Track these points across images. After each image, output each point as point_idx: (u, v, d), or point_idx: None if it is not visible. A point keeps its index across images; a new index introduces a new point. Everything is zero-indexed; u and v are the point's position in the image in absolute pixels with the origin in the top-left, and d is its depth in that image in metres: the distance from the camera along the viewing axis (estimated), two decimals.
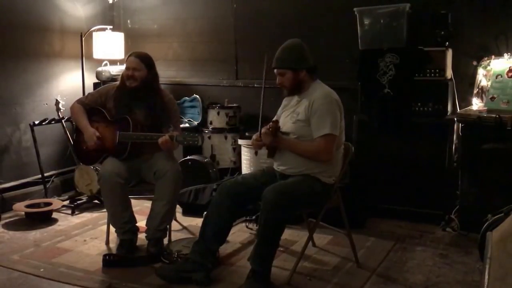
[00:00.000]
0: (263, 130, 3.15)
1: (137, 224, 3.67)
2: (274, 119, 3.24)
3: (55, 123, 4.80)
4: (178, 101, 5.44)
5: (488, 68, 4.10)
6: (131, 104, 3.59)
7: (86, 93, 4.63)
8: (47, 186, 4.79)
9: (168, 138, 3.35)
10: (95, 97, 3.72)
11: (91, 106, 3.69)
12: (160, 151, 3.56)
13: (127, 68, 3.59)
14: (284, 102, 3.37)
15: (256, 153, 3.39)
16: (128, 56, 3.65)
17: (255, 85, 5.17)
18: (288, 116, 3.24)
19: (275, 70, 3.21)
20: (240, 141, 4.81)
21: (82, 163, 4.16)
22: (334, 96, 3.16)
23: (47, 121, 4.77)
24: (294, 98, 3.27)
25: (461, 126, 3.99)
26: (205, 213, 3.26)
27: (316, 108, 3.07)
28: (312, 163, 3.09)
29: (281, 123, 3.20)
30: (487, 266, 1.96)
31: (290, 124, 3.18)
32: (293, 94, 3.25)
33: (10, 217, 4.36)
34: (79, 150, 3.77)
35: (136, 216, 3.69)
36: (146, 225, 3.57)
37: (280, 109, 3.38)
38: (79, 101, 3.74)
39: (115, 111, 3.63)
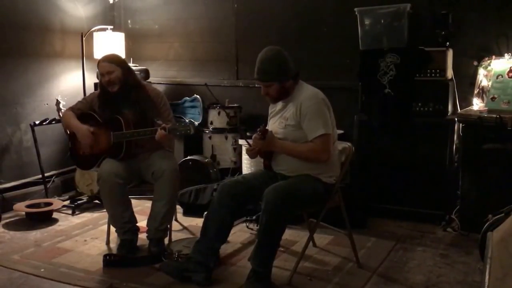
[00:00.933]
0: (254, 135, 3.15)
1: (137, 224, 3.67)
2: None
3: (55, 123, 4.80)
4: (179, 101, 5.46)
5: (489, 68, 4.10)
6: (117, 107, 3.59)
7: (87, 93, 4.62)
8: (48, 186, 4.79)
9: (163, 132, 3.36)
10: (84, 104, 3.74)
11: (82, 111, 3.70)
12: (157, 150, 3.57)
13: (102, 75, 3.58)
14: (270, 110, 3.37)
15: None
16: (98, 64, 3.63)
17: (256, 85, 5.16)
18: (276, 122, 3.24)
19: (259, 82, 3.18)
20: (240, 141, 4.81)
21: (81, 169, 4.15)
22: (320, 96, 3.15)
23: (47, 121, 4.77)
24: (278, 104, 3.27)
25: (461, 126, 3.99)
26: (205, 213, 3.27)
27: (306, 111, 3.06)
28: (311, 164, 3.09)
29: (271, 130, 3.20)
30: (487, 266, 1.96)
31: (280, 130, 3.17)
32: (278, 101, 3.24)
33: (10, 217, 4.36)
34: (77, 156, 3.76)
35: (137, 216, 3.69)
36: (147, 225, 3.57)
37: (268, 118, 3.38)
38: (69, 109, 3.77)
39: (106, 116, 3.62)
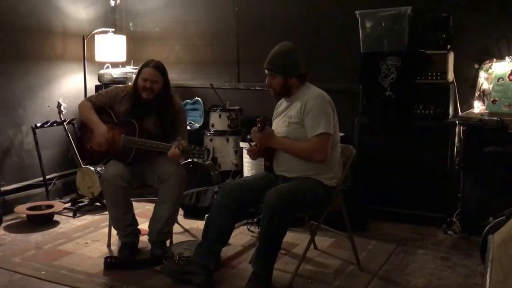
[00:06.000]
0: (252, 129, 3.16)
1: (138, 227, 3.67)
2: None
3: (57, 125, 4.81)
4: None
5: (490, 71, 4.11)
6: (142, 112, 3.55)
7: (87, 96, 4.63)
8: (49, 188, 4.79)
9: (178, 151, 3.32)
10: (104, 98, 3.64)
11: (99, 106, 3.63)
12: (163, 154, 3.55)
13: (144, 79, 3.50)
14: (275, 110, 3.39)
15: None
16: (144, 66, 3.54)
17: (257, 88, 5.17)
18: (280, 121, 3.25)
19: (266, 71, 3.22)
20: (242, 144, 4.82)
21: (85, 162, 4.14)
22: (326, 97, 3.17)
23: (49, 124, 4.77)
24: (283, 103, 3.30)
25: (462, 129, 3.99)
26: (207, 215, 3.27)
27: (309, 109, 3.07)
28: (311, 165, 3.09)
29: (274, 129, 3.21)
30: (488, 269, 1.96)
31: (283, 129, 3.18)
32: (280, 98, 3.28)
33: (11, 219, 4.37)
34: (83, 149, 3.73)
35: (138, 218, 3.69)
36: (149, 227, 3.57)
37: (272, 119, 3.40)
38: (88, 99, 3.68)
39: (124, 117, 3.57)
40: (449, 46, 4.17)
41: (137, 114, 3.54)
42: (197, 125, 5.31)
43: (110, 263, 3.37)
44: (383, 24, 4.31)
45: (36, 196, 4.75)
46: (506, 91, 3.86)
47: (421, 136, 4.16)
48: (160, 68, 3.56)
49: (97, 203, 4.69)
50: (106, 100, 3.64)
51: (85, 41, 5.22)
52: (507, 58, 4.04)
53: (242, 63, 5.39)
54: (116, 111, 3.61)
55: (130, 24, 5.90)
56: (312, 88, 3.23)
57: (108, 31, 5.34)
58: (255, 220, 4.04)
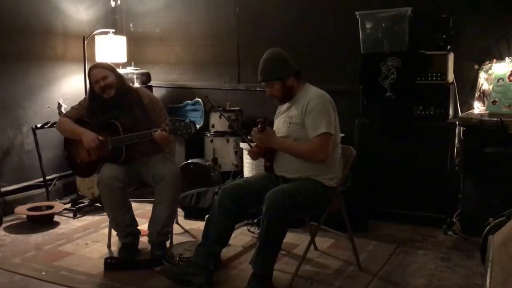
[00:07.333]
0: (253, 129, 3.16)
1: (139, 227, 3.67)
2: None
3: None
4: (180, 105, 5.47)
5: (490, 71, 4.11)
6: (114, 113, 3.56)
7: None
8: (49, 189, 4.79)
9: (165, 133, 3.34)
10: (79, 110, 3.70)
11: (77, 118, 3.67)
12: (157, 154, 3.56)
13: (96, 82, 3.54)
14: (278, 110, 3.39)
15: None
16: (89, 72, 3.61)
17: (257, 89, 5.18)
18: (281, 121, 3.26)
19: (262, 83, 3.23)
20: (242, 145, 4.82)
21: (80, 176, 4.13)
22: (328, 97, 3.17)
23: (49, 125, 4.77)
24: (284, 104, 3.30)
25: (462, 130, 3.99)
26: (207, 216, 3.27)
27: (311, 109, 3.08)
28: (312, 165, 3.09)
29: (275, 130, 3.21)
30: (488, 270, 1.96)
31: (284, 129, 3.19)
32: (285, 102, 3.27)
33: (12, 220, 4.37)
34: (74, 164, 3.75)
35: (138, 219, 3.69)
36: (148, 229, 3.57)
37: (274, 119, 3.40)
38: (65, 115, 3.73)
39: (102, 121, 3.58)
40: (449, 46, 4.17)
41: (111, 115, 3.56)
42: (198, 126, 5.31)
43: (110, 264, 3.37)
44: (383, 25, 4.31)
45: (36, 197, 4.75)
46: (506, 92, 3.86)
47: (421, 137, 4.16)
48: (101, 65, 3.66)
49: (97, 204, 4.69)
50: (81, 111, 3.69)
51: (86, 42, 5.22)
52: (507, 58, 4.04)
53: (242, 63, 5.39)
54: (92, 118, 3.64)
55: (131, 25, 5.90)
56: (313, 89, 3.24)
57: (109, 32, 5.34)
58: (255, 220, 4.04)
